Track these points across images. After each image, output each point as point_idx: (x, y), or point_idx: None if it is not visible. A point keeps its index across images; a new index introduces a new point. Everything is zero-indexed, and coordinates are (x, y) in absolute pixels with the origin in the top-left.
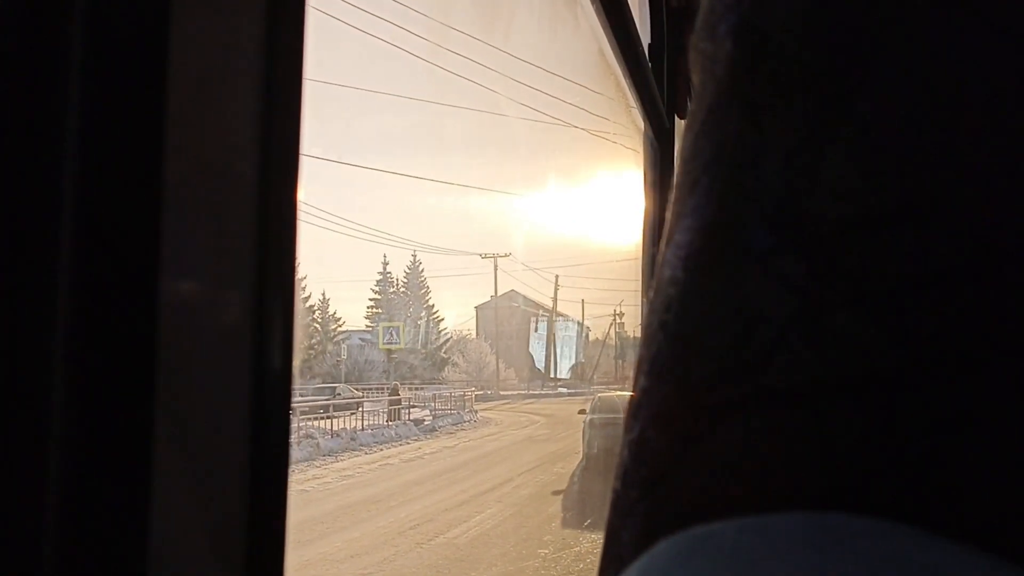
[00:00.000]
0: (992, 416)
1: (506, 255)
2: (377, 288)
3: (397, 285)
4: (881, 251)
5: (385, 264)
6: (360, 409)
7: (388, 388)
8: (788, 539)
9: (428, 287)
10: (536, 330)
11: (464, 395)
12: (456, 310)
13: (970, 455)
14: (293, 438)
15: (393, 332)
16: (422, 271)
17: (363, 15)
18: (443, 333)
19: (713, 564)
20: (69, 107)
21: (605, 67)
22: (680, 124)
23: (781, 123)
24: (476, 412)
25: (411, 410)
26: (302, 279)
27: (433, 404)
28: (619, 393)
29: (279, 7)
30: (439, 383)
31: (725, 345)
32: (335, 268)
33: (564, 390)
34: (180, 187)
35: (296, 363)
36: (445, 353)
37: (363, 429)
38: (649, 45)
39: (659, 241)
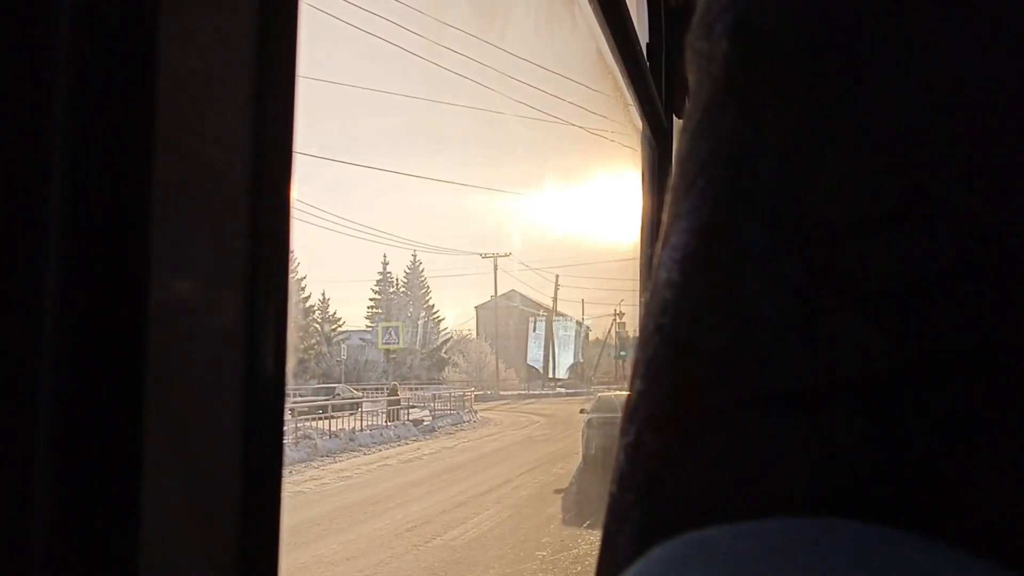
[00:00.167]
0: (992, 418)
1: (506, 255)
2: (377, 288)
3: (397, 285)
4: (879, 252)
5: (385, 264)
6: (359, 409)
7: (387, 388)
8: (785, 544)
9: (428, 287)
10: (534, 330)
11: (464, 395)
12: (456, 310)
13: (969, 458)
14: (291, 439)
15: (392, 332)
16: (422, 271)
17: (361, 12)
18: (443, 333)
19: (709, 569)
20: (58, 105)
21: (603, 66)
22: (679, 124)
23: (778, 123)
24: (476, 412)
25: (410, 410)
26: (301, 279)
27: (433, 404)
28: (618, 393)
29: (271, 4)
30: (439, 383)
31: (722, 347)
32: (335, 268)
33: (562, 390)
34: (171, 186)
35: (295, 363)
36: (445, 353)
37: (362, 430)
38: (647, 44)
39: (656, 242)
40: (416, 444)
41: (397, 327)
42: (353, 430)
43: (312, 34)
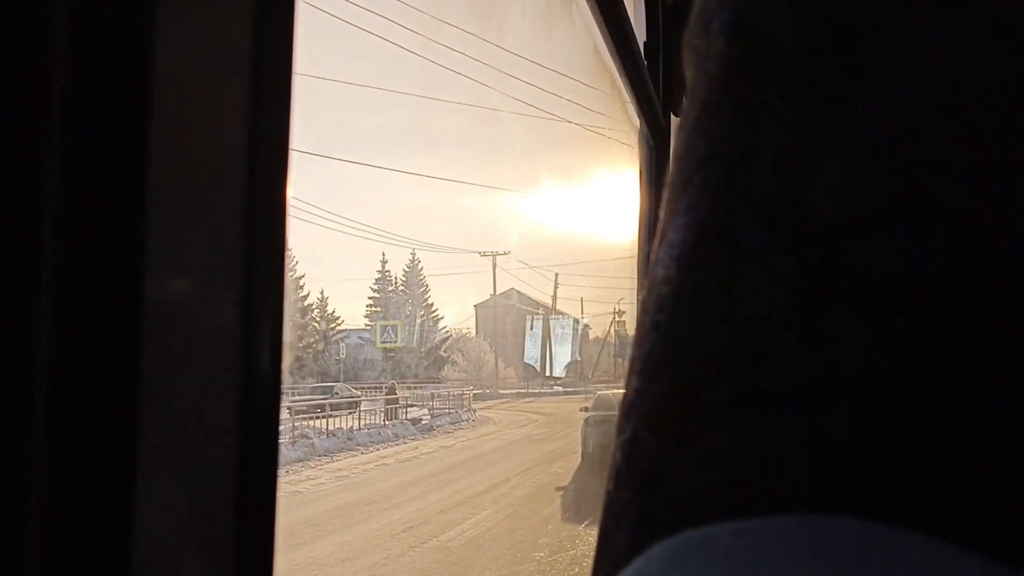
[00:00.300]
0: (990, 417)
1: (505, 253)
2: (376, 286)
3: (396, 283)
4: (877, 250)
5: (384, 262)
6: (358, 408)
7: (385, 387)
8: (783, 542)
9: (427, 285)
10: (531, 328)
11: (463, 394)
12: (455, 308)
13: (968, 456)
14: (287, 438)
15: (390, 331)
16: (421, 269)
17: (358, 10)
18: (443, 332)
19: (708, 568)
20: (54, 104)
21: (601, 65)
22: (676, 122)
23: (775, 121)
24: (475, 411)
25: (409, 409)
26: (300, 277)
27: (431, 403)
28: (617, 391)
29: (268, 2)
30: (438, 382)
31: (719, 345)
32: (334, 267)
33: (559, 388)
34: (167, 185)
35: (294, 362)
36: (444, 352)
37: (360, 429)
38: (645, 43)
39: (654, 239)
40: (414, 443)
41: (395, 326)
42: (351, 429)
43: (310, 32)
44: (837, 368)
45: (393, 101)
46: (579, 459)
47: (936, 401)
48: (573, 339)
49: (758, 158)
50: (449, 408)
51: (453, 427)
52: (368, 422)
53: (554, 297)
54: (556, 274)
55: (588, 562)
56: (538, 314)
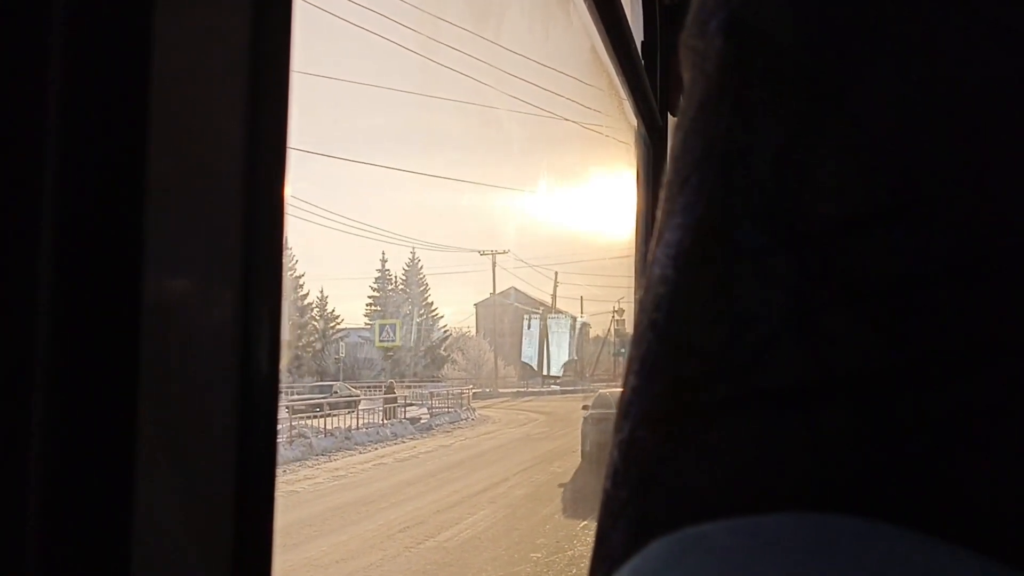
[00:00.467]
0: (989, 416)
1: (504, 252)
2: (376, 285)
3: (396, 282)
4: (874, 250)
5: (384, 261)
6: (357, 408)
7: (384, 386)
8: (781, 540)
9: (427, 284)
10: (528, 328)
11: (462, 393)
12: (455, 307)
13: (967, 456)
14: (285, 437)
15: (389, 329)
16: (421, 268)
17: (357, 8)
18: (443, 331)
19: (705, 565)
20: (52, 103)
21: (598, 64)
22: (673, 121)
23: (772, 120)
24: (474, 410)
25: (408, 408)
26: (299, 276)
27: (431, 402)
28: (615, 390)
29: (266, 1)
30: (437, 381)
31: (716, 345)
32: (334, 265)
33: (556, 387)
34: (165, 184)
35: (293, 361)
36: (444, 351)
37: (358, 428)
38: (642, 43)
39: (651, 239)
40: (413, 442)
41: (394, 324)
42: (349, 428)
43: (309, 30)
44: (835, 367)
45: (393, 100)
46: (578, 458)
47: (934, 400)
48: (570, 338)
49: (755, 158)
50: (448, 407)
51: (452, 426)
52: (367, 421)
53: (554, 296)
54: (556, 273)
55: (585, 563)
56: (536, 313)
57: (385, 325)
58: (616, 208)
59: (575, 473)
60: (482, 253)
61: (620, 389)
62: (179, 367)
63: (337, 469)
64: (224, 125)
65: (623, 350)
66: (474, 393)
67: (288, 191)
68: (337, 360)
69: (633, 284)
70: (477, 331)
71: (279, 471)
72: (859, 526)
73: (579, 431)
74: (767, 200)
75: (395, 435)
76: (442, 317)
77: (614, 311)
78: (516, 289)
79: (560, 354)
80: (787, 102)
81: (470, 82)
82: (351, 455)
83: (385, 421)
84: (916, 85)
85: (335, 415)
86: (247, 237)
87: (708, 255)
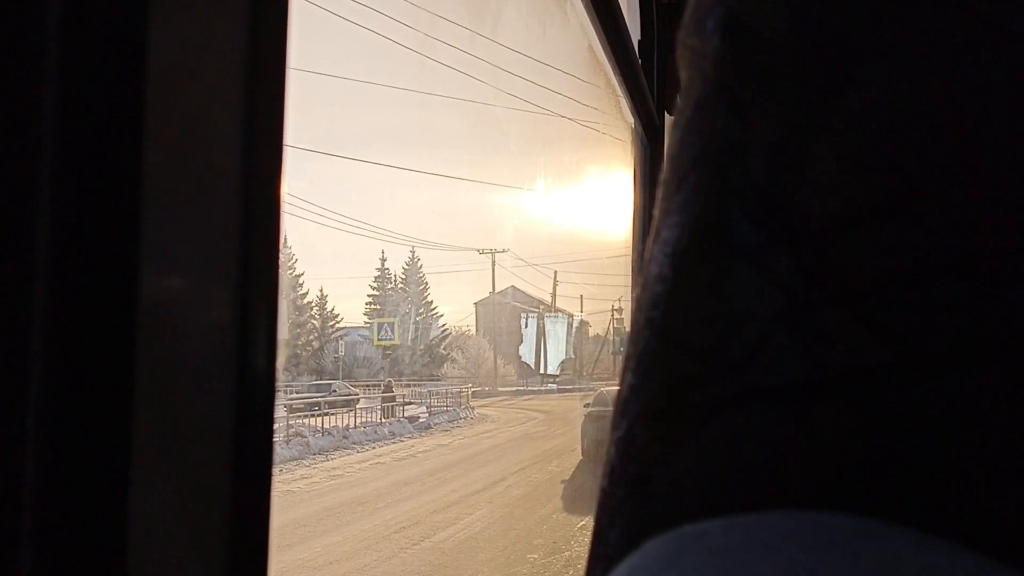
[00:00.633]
0: (982, 413)
1: (504, 251)
2: (375, 284)
3: (395, 281)
4: (868, 247)
5: (383, 260)
6: (355, 406)
7: (383, 385)
8: (777, 538)
9: (427, 283)
10: (525, 327)
11: (461, 392)
12: (455, 306)
13: (959, 453)
14: (283, 436)
15: (387, 328)
16: (420, 267)
17: (354, 5)
18: (443, 329)
19: (701, 563)
20: (47, 101)
21: (595, 63)
22: (671, 120)
23: (768, 118)
24: (473, 409)
25: (407, 407)
26: (299, 275)
27: (429, 401)
28: (614, 389)
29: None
30: (437, 379)
31: (712, 342)
32: (335, 264)
33: (553, 386)
34: (161, 183)
35: (292, 360)
36: (444, 349)
37: (356, 427)
38: (639, 41)
39: (648, 237)
40: (411, 441)
41: (392, 323)
42: (347, 427)
43: (308, 27)
44: (829, 365)
45: (392, 98)
46: (577, 456)
47: (928, 398)
48: (567, 336)
49: (751, 156)
50: (447, 406)
51: (451, 425)
52: (365, 420)
53: (553, 295)
54: (555, 272)
55: (582, 564)
56: (533, 312)
57: (383, 324)
58: (616, 206)
59: (575, 470)
60: (481, 252)
61: (617, 387)
62: (175, 366)
63: (334, 468)
64: (220, 123)
65: (622, 348)
66: (473, 392)
67: (284, 190)
68: (336, 359)
69: (631, 282)
70: (477, 330)
71: (277, 470)
72: (854, 524)
73: (577, 430)
74: (763, 198)
75: (393, 434)
76: (442, 316)
77: (613, 309)
78: (516, 288)
79: (557, 353)
80: (783, 100)
81: (468, 80)
82: (349, 454)
83: (383, 420)
84: (911, 83)
85: (333, 414)
86: (243, 236)
87: (704, 253)
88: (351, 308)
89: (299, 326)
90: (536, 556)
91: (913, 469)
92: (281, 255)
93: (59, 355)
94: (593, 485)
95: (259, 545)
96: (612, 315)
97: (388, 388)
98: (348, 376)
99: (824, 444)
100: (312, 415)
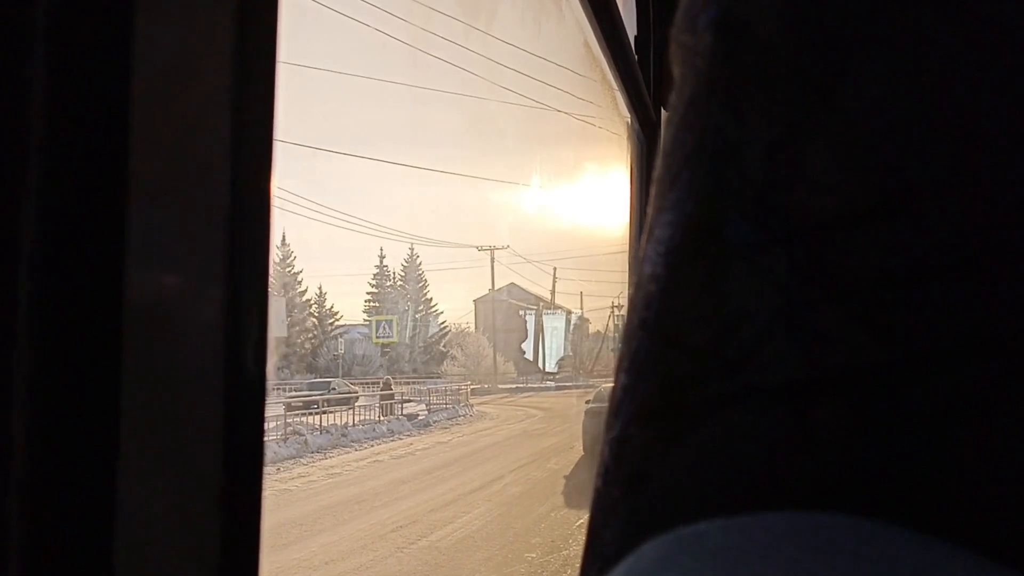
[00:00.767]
0: (979, 414)
1: (503, 247)
2: (374, 282)
3: (394, 279)
4: (865, 246)
5: (382, 258)
6: (354, 404)
7: (381, 382)
8: (774, 538)
9: (426, 280)
10: (528, 323)
11: (460, 389)
12: (455, 303)
13: (957, 453)
14: (280, 435)
15: (386, 326)
16: (419, 264)
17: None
18: (442, 326)
19: (699, 565)
20: (33, 100)
21: (592, 60)
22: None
23: (762, 115)
24: (472, 406)
25: (405, 405)
26: (298, 273)
27: (428, 398)
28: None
29: None
30: (436, 377)
31: (707, 341)
32: (333, 262)
33: (551, 383)
34: (148, 181)
35: (291, 358)
36: (444, 347)
37: (354, 425)
38: (635, 37)
39: (643, 235)
40: (409, 439)
41: (391, 321)
42: (345, 425)
43: (300, 21)
44: (826, 364)
45: (388, 93)
46: (576, 453)
47: (925, 397)
48: (565, 334)
49: (745, 154)
50: (446, 403)
51: (450, 422)
52: (363, 418)
53: (552, 292)
54: (555, 268)
55: (580, 565)
56: (531, 309)
57: (382, 321)
58: (616, 203)
59: (575, 466)
60: (480, 249)
61: (611, 386)
62: (164, 365)
63: (332, 467)
64: (209, 120)
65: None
66: (473, 389)
67: (275, 187)
68: (336, 357)
69: (627, 279)
70: (476, 327)
71: (274, 469)
72: (852, 524)
73: (576, 427)
74: (757, 196)
75: (392, 432)
76: (441, 313)
77: (613, 306)
78: (515, 285)
79: (555, 350)
80: (777, 98)
81: (464, 76)
82: (347, 452)
83: (382, 418)
84: (907, 81)
85: (332, 412)
86: (233, 233)
87: (698, 252)
88: (350, 306)
89: (298, 324)
90: (534, 555)
91: (911, 469)
92: (277, 253)
93: (46, 354)
94: (592, 481)
95: (250, 544)
96: (612, 311)
97: (387, 386)
98: (347, 374)
99: (822, 444)
100: (310, 413)
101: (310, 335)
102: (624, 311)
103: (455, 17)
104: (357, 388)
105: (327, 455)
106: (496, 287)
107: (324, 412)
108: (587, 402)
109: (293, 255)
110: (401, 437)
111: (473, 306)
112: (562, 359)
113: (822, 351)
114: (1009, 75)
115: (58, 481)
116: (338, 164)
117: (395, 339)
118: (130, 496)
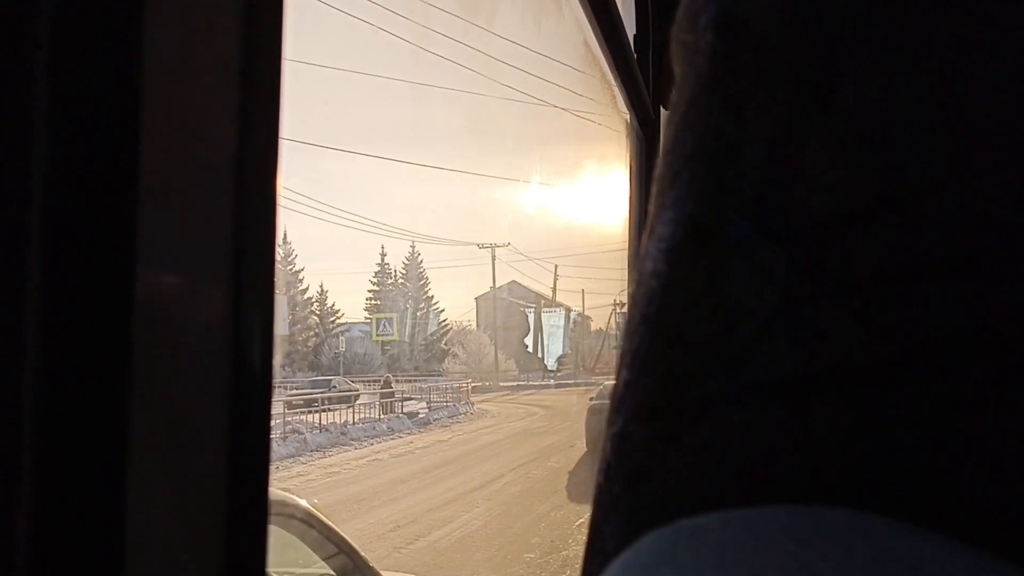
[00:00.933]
0: (976, 409)
1: (505, 245)
2: (376, 280)
3: (396, 276)
4: (864, 244)
5: (383, 255)
6: (355, 402)
7: (382, 380)
8: (773, 532)
9: (427, 278)
10: (529, 321)
11: (461, 387)
12: (456, 301)
13: (954, 448)
14: (279, 433)
15: (386, 323)
16: (421, 262)
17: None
18: (443, 324)
19: (698, 558)
20: (41, 99)
21: (591, 58)
22: (666, 115)
23: (762, 114)
24: (473, 404)
25: (406, 403)
26: (299, 271)
27: (429, 396)
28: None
29: None
30: (438, 375)
31: (707, 338)
32: (334, 260)
33: (551, 382)
34: (156, 181)
35: (292, 356)
36: (445, 344)
37: (354, 423)
38: (634, 36)
39: (643, 232)
40: (409, 437)
41: (391, 318)
42: (345, 423)
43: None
44: (824, 361)
45: (391, 90)
46: (577, 451)
47: (923, 393)
48: (566, 331)
49: (745, 152)
50: (447, 401)
51: (450, 420)
52: (363, 416)
53: (554, 289)
54: (556, 266)
55: (580, 564)
56: (532, 307)
57: (382, 319)
58: (617, 200)
59: (578, 463)
60: (481, 246)
61: (613, 383)
62: (171, 364)
63: (331, 465)
64: (215, 118)
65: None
66: (474, 387)
67: (280, 185)
68: (337, 355)
69: (626, 278)
70: (478, 325)
71: (272, 467)
72: (850, 518)
73: (577, 425)
74: (757, 195)
75: (392, 430)
76: (443, 311)
77: (615, 304)
78: (516, 283)
79: (555, 348)
80: (777, 97)
81: (465, 73)
82: (346, 451)
83: (382, 416)
84: (905, 80)
85: (333, 410)
86: (239, 233)
87: (699, 249)
88: (352, 304)
89: (299, 322)
90: (533, 555)
91: (908, 464)
92: (280, 251)
93: (54, 353)
94: (593, 477)
95: (257, 541)
96: (614, 309)
97: (387, 384)
98: (348, 372)
99: (820, 439)
100: (310, 411)
101: (312, 333)
102: (625, 308)
103: (455, 15)
104: (358, 386)
105: (326, 453)
106: (497, 285)
107: (326, 410)
108: (591, 399)
109: (295, 253)
110: (401, 435)
111: (474, 304)
112: (563, 357)
113: (821, 348)
114: (1008, 75)
115: (67, 477)
116: (339, 162)
117: (395, 337)
118: (138, 493)
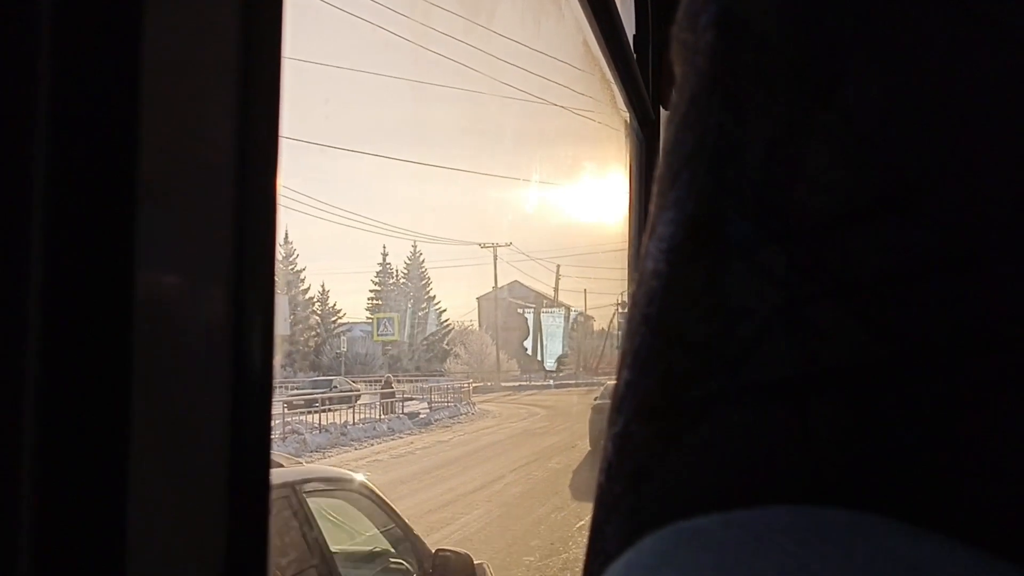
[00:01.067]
0: (977, 409)
1: (507, 244)
2: (377, 280)
3: (397, 276)
4: (864, 243)
5: (385, 255)
6: (356, 402)
7: (383, 380)
8: (774, 533)
9: (429, 278)
10: (529, 320)
11: (462, 387)
12: (458, 300)
13: (954, 448)
14: (279, 433)
15: (387, 323)
16: (422, 262)
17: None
18: (445, 324)
19: (699, 558)
20: (40, 99)
21: (591, 58)
22: (666, 115)
23: (763, 114)
24: (474, 404)
25: (407, 403)
26: (301, 271)
27: (430, 396)
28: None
29: None
30: (439, 375)
31: (707, 338)
32: (336, 260)
33: (551, 383)
34: (156, 180)
35: (293, 356)
36: (447, 344)
37: (355, 423)
38: (634, 36)
39: (644, 232)
40: (410, 438)
41: (393, 318)
42: (345, 423)
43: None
44: (824, 360)
45: (392, 89)
46: (578, 451)
47: (923, 393)
48: (568, 331)
49: (746, 152)
50: (448, 401)
51: (451, 421)
52: (364, 416)
53: (556, 289)
54: (558, 266)
55: (579, 566)
56: (534, 307)
57: (383, 319)
58: (620, 200)
59: (581, 463)
60: (483, 246)
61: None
62: (171, 364)
63: (330, 466)
64: (215, 119)
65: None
66: (475, 387)
67: (280, 185)
68: (338, 355)
69: (627, 278)
70: (480, 325)
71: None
72: (850, 518)
73: (578, 426)
74: (757, 195)
75: (392, 430)
76: (444, 311)
77: (618, 304)
78: (518, 283)
79: (554, 348)
80: (777, 97)
81: (466, 72)
82: (346, 451)
83: (382, 416)
84: (905, 80)
85: (334, 410)
86: (239, 233)
87: (699, 249)
88: (354, 303)
89: (300, 322)
90: (532, 559)
91: (909, 464)
92: (281, 250)
93: (55, 353)
94: (595, 476)
95: (257, 541)
96: (616, 309)
97: (388, 384)
98: (350, 372)
99: (820, 439)
100: (310, 411)
101: (313, 333)
102: (627, 309)
103: (456, 13)
104: (359, 386)
105: (326, 454)
106: (499, 284)
107: (327, 410)
108: (595, 399)
109: (296, 253)
110: (401, 436)
111: (476, 303)
112: (565, 357)
113: (821, 348)
114: (1007, 74)
115: (68, 478)
116: (341, 161)
117: (396, 336)
118: (139, 493)
